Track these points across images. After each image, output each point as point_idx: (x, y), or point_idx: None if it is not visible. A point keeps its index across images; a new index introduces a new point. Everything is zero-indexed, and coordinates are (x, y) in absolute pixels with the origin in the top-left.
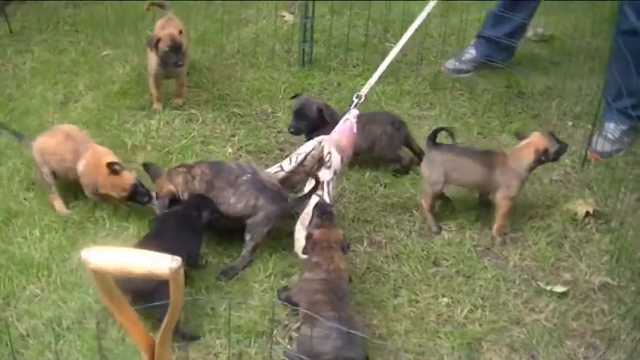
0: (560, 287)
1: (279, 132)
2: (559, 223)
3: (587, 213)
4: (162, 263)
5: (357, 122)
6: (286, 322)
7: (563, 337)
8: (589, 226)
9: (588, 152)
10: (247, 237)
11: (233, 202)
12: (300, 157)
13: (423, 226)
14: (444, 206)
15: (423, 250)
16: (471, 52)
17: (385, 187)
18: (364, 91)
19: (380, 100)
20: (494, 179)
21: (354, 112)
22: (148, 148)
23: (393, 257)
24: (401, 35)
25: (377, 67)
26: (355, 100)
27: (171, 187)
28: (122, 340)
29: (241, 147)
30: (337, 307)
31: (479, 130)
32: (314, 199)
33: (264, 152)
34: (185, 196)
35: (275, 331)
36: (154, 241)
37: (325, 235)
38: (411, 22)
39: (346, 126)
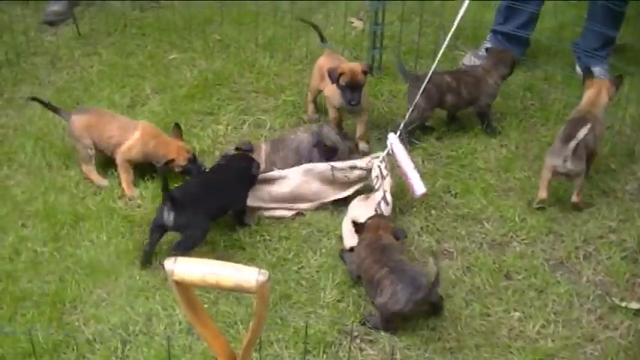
0: (635, 304)
1: (347, 138)
2: (633, 238)
3: None
4: (250, 276)
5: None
6: (356, 332)
7: (639, 355)
8: None
9: None
10: None
11: None
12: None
13: (495, 238)
14: (514, 218)
15: (494, 263)
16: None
17: (455, 197)
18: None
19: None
20: None
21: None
22: (216, 154)
23: (464, 269)
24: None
25: None
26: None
27: None
28: (189, 348)
29: None
30: (386, 260)
31: (549, 141)
32: (366, 211)
33: None
34: None
35: (345, 342)
36: None
37: (376, 221)
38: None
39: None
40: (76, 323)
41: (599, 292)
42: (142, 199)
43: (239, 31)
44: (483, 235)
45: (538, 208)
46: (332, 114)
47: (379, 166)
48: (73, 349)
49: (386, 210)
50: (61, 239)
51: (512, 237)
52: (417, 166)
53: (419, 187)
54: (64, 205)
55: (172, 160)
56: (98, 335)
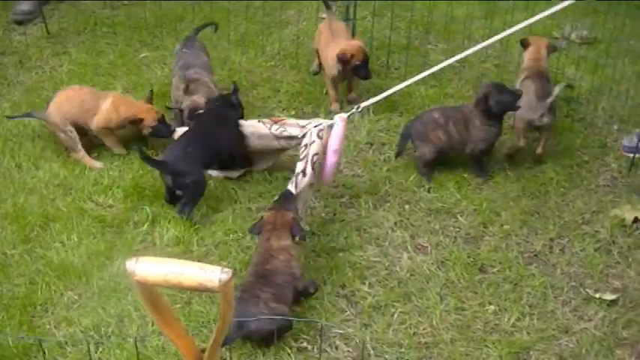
0: (609, 295)
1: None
2: (607, 229)
3: (636, 219)
4: (212, 275)
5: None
6: (331, 330)
7: (614, 346)
8: (638, 232)
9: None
10: None
11: None
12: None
13: (469, 232)
14: (489, 213)
15: (469, 257)
16: None
17: (429, 191)
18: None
19: (423, 104)
20: None
21: (343, 116)
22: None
23: (438, 264)
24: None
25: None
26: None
27: None
28: (162, 349)
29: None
30: (249, 288)
31: None
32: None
33: None
34: None
35: (320, 338)
36: None
37: (273, 216)
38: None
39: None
40: (47, 326)
41: (574, 283)
42: (114, 200)
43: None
44: (457, 229)
45: (512, 199)
46: (334, 91)
47: (311, 132)
48: (44, 353)
49: (302, 182)
50: (31, 241)
51: (486, 230)
52: (339, 159)
53: (326, 178)
54: (34, 206)
55: (141, 120)
56: (70, 338)
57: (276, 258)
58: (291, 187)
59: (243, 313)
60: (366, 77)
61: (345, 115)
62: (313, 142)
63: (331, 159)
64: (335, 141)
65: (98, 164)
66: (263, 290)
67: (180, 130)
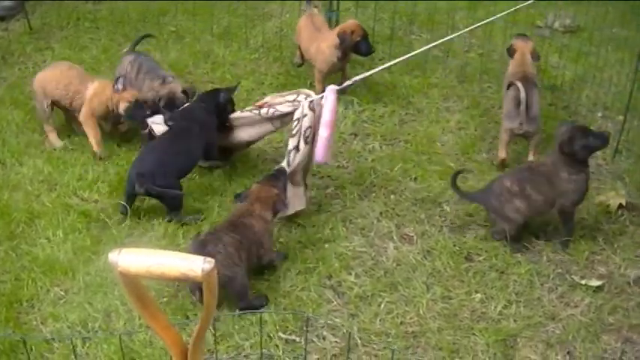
0: (595, 281)
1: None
2: (592, 216)
3: (620, 205)
4: (195, 265)
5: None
6: (319, 321)
7: (600, 331)
8: (622, 219)
9: None
10: None
11: None
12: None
13: (455, 220)
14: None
15: (455, 246)
16: None
17: (415, 181)
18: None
19: (408, 94)
20: None
21: (333, 88)
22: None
23: (424, 253)
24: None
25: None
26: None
27: None
28: (149, 343)
29: (268, 143)
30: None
31: None
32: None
33: None
34: None
35: (306, 329)
36: None
37: (258, 189)
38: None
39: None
40: (34, 322)
41: (560, 270)
42: (99, 195)
43: (194, 21)
44: (443, 218)
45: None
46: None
47: (302, 105)
48: (31, 349)
49: (296, 158)
50: (16, 237)
51: (471, 219)
52: (333, 133)
53: (319, 154)
54: (19, 202)
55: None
56: (57, 334)
57: (254, 218)
58: (284, 165)
59: (199, 250)
60: (368, 52)
61: (335, 87)
62: (305, 115)
63: (323, 132)
64: (326, 113)
65: (59, 143)
66: (228, 234)
67: (156, 118)
